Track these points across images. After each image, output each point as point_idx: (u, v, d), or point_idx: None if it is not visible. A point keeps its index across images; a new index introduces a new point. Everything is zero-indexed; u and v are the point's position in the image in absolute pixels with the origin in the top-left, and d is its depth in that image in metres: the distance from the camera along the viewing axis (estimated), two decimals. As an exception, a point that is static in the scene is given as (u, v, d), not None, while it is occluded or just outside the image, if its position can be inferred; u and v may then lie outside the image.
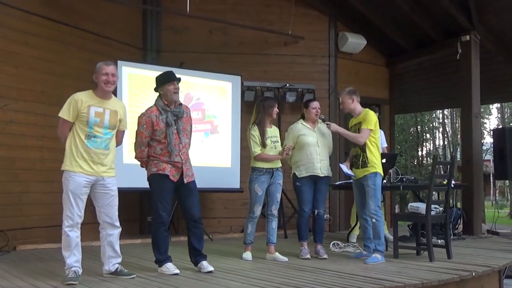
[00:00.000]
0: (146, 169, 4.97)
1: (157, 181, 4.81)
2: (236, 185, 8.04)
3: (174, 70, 7.54)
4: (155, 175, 4.82)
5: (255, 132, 5.76)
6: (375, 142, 5.70)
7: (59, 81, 7.01)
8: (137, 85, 7.42)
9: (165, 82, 4.83)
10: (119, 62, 7.06)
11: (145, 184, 6.75)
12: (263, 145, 5.71)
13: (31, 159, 6.70)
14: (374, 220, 5.61)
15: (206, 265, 4.92)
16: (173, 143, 4.78)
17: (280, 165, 5.90)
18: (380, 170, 5.66)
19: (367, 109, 5.86)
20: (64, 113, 4.45)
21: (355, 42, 9.23)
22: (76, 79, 7.06)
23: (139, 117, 4.84)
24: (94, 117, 4.44)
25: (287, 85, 8.65)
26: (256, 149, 5.73)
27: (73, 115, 4.43)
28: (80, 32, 7.38)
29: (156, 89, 4.92)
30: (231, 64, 8.60)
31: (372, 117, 5.68)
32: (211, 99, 8.00)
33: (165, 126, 4.77)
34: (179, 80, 4.88)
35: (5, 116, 6.38)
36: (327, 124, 5.97)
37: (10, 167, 6.43)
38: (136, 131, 4.85)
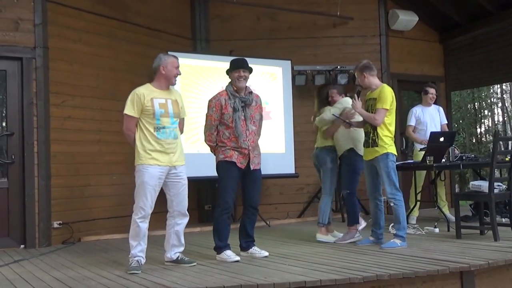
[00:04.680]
0: (215, 155, 5.06)
1: (225, 168, 4.90)
2: (291, 170, 8.01)
3: (223, 58, 7.72)
4: (223, 162, 4.90)
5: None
6: (388, 121, 5.31)
7: (113, 76, 7.15)
8: (188, 75, 7.47)
9: (232, 69, 4.96)
10: (169, 53, 7.12)
11: (201, 173, 6.88)
12: None
13: (90, 153, 6.87)
14: (392, 204, 5.29)
15: (260, 251, 4.99)
16: (240, 128, 4.85)
17: None
18: (392, 150, 5.28)
19: (384, 84, 5.51)
20: (129, 110, 4.52)
21: (406, 19, 8.97)
22: (129, 72, 7.19)
23: (209, 101, 4.99)
24: (159, 108, 4.52)
25: (338, 67, 8.52)
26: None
27: (138, 110, 4.51)
28: (130, 26, 7.49)
29: (227, 74, 5.05)
30: (280, 49, 8.55)
31: (387, 94, 5.29)
32: (262, 85, 7.97)
33: (232, 111, 4.85)
34: (246, 68, 4.95)
35: (63, 112, 6.55)
36: (354, 99, 5.48)
37: (71, 161, 6.62)
38: (206, 115, 4.99)
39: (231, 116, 4.86)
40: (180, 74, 4.67)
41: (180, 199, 4.65)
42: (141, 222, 4.49)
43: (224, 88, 5.03)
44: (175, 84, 4.71)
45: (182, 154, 4.71)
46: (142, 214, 4.48)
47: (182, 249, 4.75)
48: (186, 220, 4.73)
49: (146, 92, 4.53)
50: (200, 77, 7.60)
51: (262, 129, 5.22)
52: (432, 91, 7.30)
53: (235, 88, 4.95)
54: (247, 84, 5.02)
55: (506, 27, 8.38)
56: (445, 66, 9.91)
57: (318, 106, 6.06)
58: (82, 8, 6.83)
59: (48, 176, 6.27)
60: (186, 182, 4.70)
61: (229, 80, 5.03)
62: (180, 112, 4.68)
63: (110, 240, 6.51)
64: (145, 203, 4.47)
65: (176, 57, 4.69)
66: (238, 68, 4.92)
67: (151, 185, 4.47)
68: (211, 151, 5.11)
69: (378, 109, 5.28)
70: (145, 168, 4.48)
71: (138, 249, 4.51)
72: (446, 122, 7.51)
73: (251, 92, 5.04)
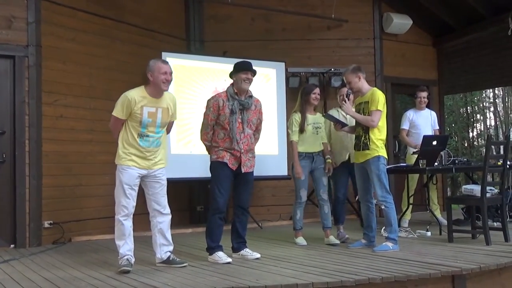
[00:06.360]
0: (209, 154, 5.06)
1: (217, 169, 4.91)
2: (284, 172, 8.00)
3: (217, 59, 7.70)
4: (215, 163, 4.92)
5: (297, 117, 5.85)
6: (380, 124, 5.31)
7: (106, 75, 7.11)
8: (182, 76, 7.45)
9: (239, 70, 4.93)
10: (163, 53, 7.12)
11: (193, 174, 6.86)
12: (302, 130, 5.79)
13: (82, 152, 6.83)
14: (383, 207, 5.30)
15: (251, 252, 4.98)
16: (235, 131, 4.86)
17: (321, 149, 5.92)
18: (382, 153, 5.29)
19: (374, 88, 5.55)
20: (118, 112, 4.51)
21: (400, 22, 8.99)
22: (122, 72, 7.17)
23: (208, 101, 5.00)
24: (147, 118, 4.49)
25: (332, 69, 8.53)
26: (293, 137, 5.84)
27: (126, 114, 4.50)
28: (124, 26, 7.46)
29: (231, 76, 5.02)
30: (274, 51, 8.55)
31: (380, 96, 5.30)
32: (256, 87, 7.82)
33: (229, 113, 4.85)
34: (254, 72, 4.95)
35: (55, 111, 6.51)
36: (344, 102, 5.52)
37: (63, 161, 6.58)
38: (204, 114, 5.00)
39: (228, 118, 4.86)
40: (169, 80, 4.50)
41: (157, 198, 4.64)
42: (124, 220, 4.48)
43: (225, 90, 5.02)
44: (166, 90, 4.57)
45: (164, 157, 4.69)
46: (125, 212, 4.47)
47: (171, 248, 4.72)
48: (167, 218, 4.70)
49: (138, 98, 4.47)
50: (194, 78, 7.56)
51: (260, 134, 5.25)
52: (421, 94, 7.28)
53: (235, 91, 4.94)
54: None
55: (500, 31, 8.40)
56: (438, 70, 9.93)
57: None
58: (76, 7, 6.79)
59: (40, 176, 6.22)
60: (164, 183, 4.70)
61: (231, 81, 5.02)
62: (168, 120, 4.66)
63: (101, 241, 6.47)
64: (127, 201, 4.47)
65: (166, 62, 4.58)
66: (247, 70, 4.92)
67: (130, 184, 4.49)
68: (207, 150, 5.10)
69: (372, 111, 5.28)
70: (124, 169, 4.49)
71: (126, 248, 4.49)
72: (438, 128, 7.52)
73: (251, 96, 5.03)
